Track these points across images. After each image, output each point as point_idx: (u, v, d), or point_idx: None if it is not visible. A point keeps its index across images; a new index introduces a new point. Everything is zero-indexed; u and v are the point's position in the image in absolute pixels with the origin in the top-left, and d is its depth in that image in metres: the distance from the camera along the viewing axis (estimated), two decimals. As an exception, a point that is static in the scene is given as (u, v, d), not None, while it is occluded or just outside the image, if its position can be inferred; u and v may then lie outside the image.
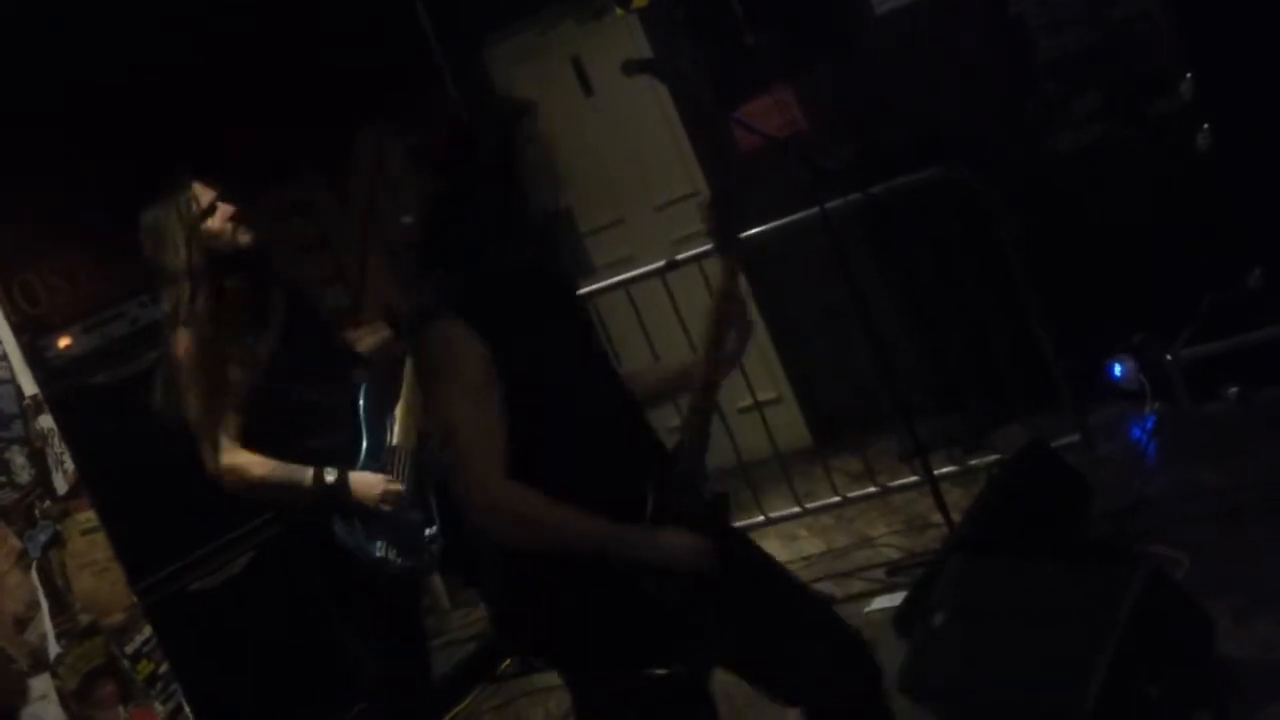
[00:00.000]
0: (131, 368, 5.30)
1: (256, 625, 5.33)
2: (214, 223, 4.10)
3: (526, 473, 2.89)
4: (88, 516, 4.59)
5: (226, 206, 4.13)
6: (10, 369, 4.51)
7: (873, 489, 5.92)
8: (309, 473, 4.02)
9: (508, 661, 5.87)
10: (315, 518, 4.06)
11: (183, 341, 4.03)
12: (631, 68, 3.78)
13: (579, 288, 3.38)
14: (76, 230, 6.09)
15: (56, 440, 4.57)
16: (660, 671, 2.93)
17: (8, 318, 4.60)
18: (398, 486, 4.16)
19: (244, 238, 4.12)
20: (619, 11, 6.79)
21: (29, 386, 4.55)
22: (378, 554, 4.10)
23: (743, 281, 3.19)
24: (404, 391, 4.34)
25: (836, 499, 6.00)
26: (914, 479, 5.66)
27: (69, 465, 4.57)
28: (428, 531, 4.28)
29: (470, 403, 2.89)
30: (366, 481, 4.12)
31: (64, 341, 5.24)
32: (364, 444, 4.20)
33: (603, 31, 7.12)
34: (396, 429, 4.29)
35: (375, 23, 7.08)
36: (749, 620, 3.08)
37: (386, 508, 4.12)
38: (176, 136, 6.42)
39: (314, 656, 5.47)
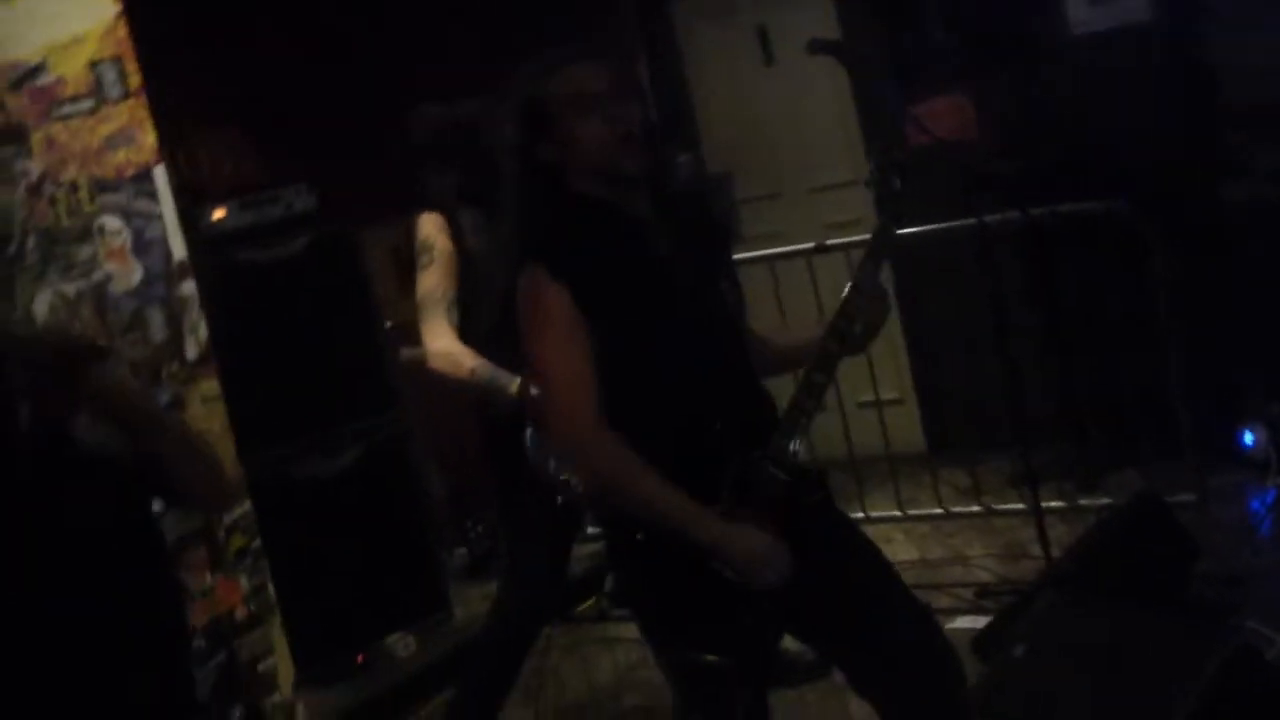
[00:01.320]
0: (276, 251, 5.40)
1: (352, 521, 5.43)
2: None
3: (615, 417, 2.87)
4: (210, 386, 4.69)
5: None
6: (163, 230, 4.61)
7: (977, 508, 5.88)
8: (516, 380, 4.08)
9: (587, 603, 5.92)
10: (511, 423, 4.13)
11: (432, 220, 4.20)
12: (816, 47, 3.72)
13: (719, 238, 3.35)
14: (250, 109, 6.21)
15: (195, 307, 4.67)
16: (710, 658, 2.94)
17: (170, 181, 4.70)
18: None
19: None
20: (813, -12, 6.76)
21: (178, 251, 4.65)
22: (560, 475, 4.14)
23: (886, 271, 3.14)
24: None
25: (939, 511, 5.97)
26: (1020, 506, 5.61)
27: (202, 333, 4.67)
28: None
29: (557, 347, 2.88)
30: None
31: (218, 213, 5.34)
32: None
33: (794, 4, 7.08)
34: None
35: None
36: (839, 599, 3.03)
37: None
38: (359, 42, 6.56)
39: (402, 563, 5.57)
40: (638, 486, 2.85)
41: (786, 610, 2.96)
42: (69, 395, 2.52)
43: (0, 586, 2.48)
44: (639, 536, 2.90)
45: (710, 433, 2.95)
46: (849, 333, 3.02)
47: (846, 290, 3.02)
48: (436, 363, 4.19)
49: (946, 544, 5.86)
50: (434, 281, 4.23)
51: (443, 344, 4.18)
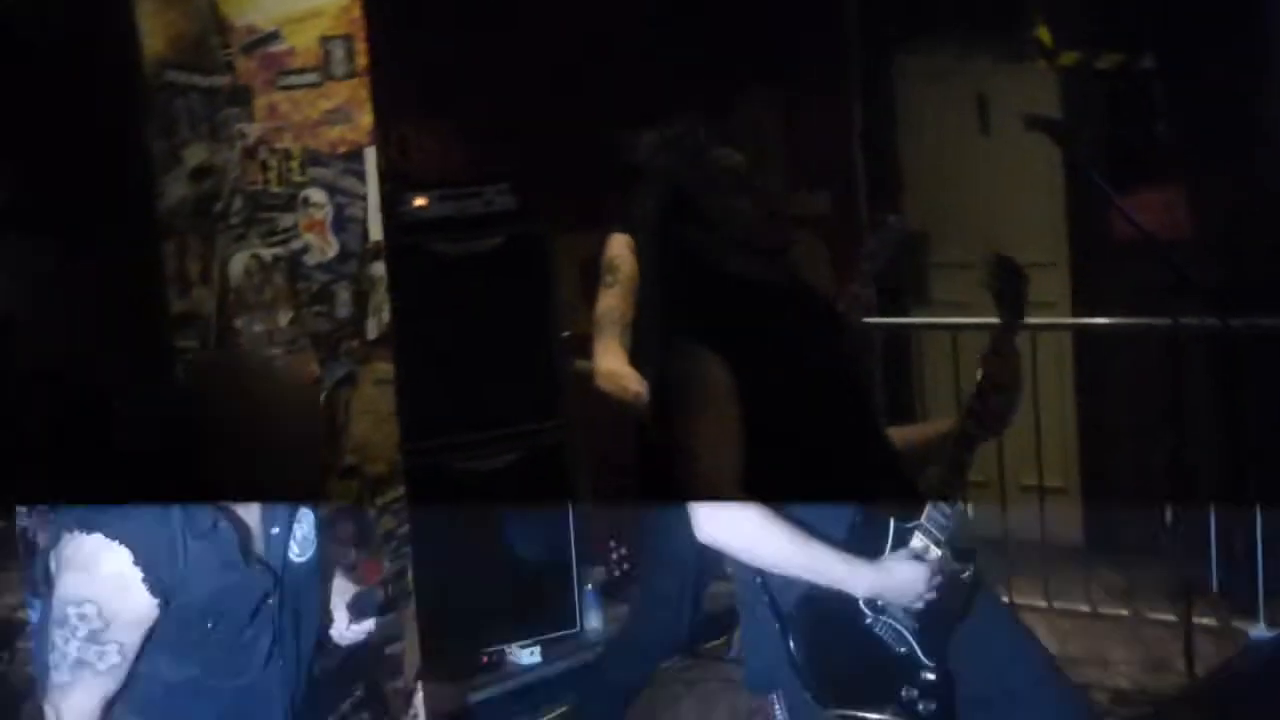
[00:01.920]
0: (469, 246, 5.48)
1: (501, 521, 5.48)
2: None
3: (758, 484, 2.90)
4: (385, 368, 4.75)
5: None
6: (364, 210, 4.69)
7: (1126, 612, 5.75)
8: None
9: (717, 641, 5.89)
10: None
11: (622, 240, 4.27)
12: (1032, 122, 3.74)
13: (833, 312, 3.38)
14: (467, 104, 6.30)
15: (382, 289, 4.74)
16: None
17: (378, 163, 4.79)
18: None
19: None
20: (1040, 62, 6.67)
21: (375, 232, 4.73)
22: None
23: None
24: None
25: (1087, 609, 5.85)
26: (1172, 618, 5.47)
27: (385, 316, 4.74)
28: None
29: (708, 419, 2.91)
30: None
31: (419, 201, 5.43)
32: None
33: (1017, 75, 6.99)
34: None
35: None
36: (974, 665, 3.04)
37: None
38: (584, 52, 6.64)
39: (546, 572, 5.60)
40: (783, 550, 2.89)
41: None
42: None
43: None
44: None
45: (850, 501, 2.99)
46: (984, 416, 3.04)
47: (979, 376, 3.06)
48: (603, 382, 4.23)
49: (1090, 644, 5.73)
50: (613, 302, 4.27)
51: (612, 365, 4.21)
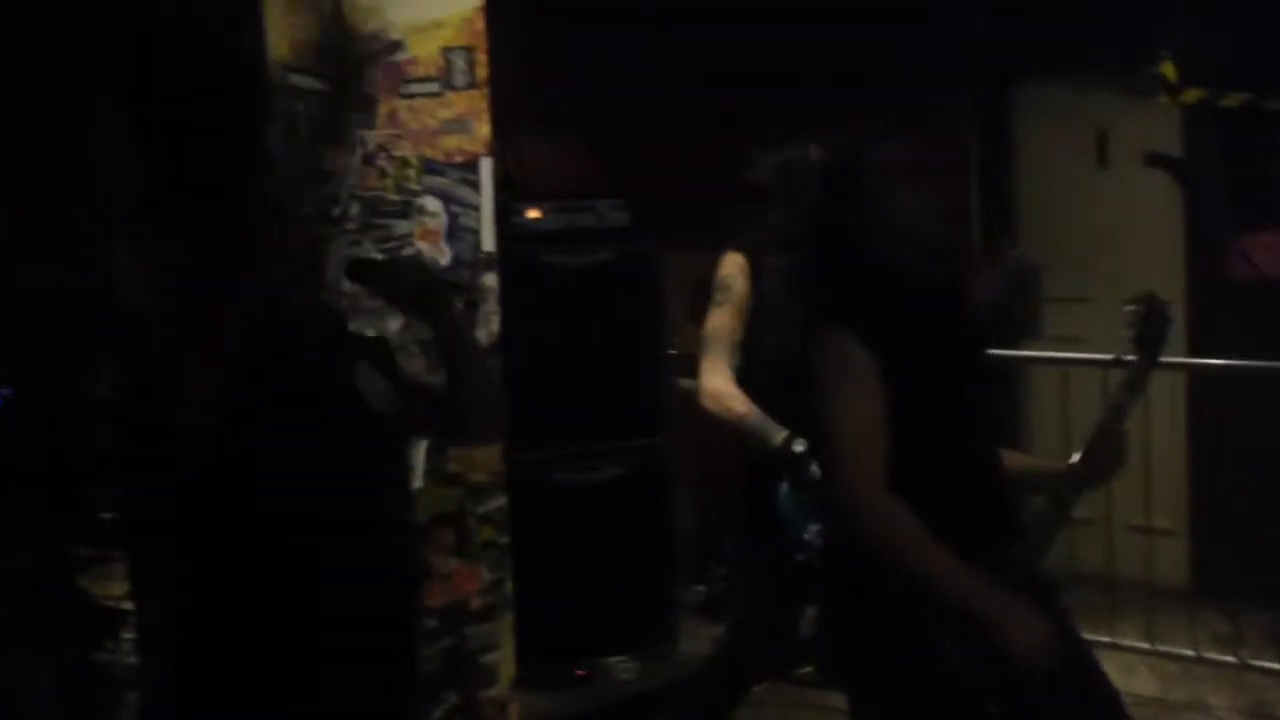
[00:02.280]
0: (580, 259, 5.50)
1: (599, 536, 5.48)
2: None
3: (896, 481, 2.90)
4: (492, 377, 4.79)
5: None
6: (478, 220, 4.73)
7: (1231, 658, 5.65)
8: (782, 434, 4.11)
9: (811, 668, 5.85)
10: (768, 473, 4.16)
11: (736, 261, 4.26)
12: (1152, 159, 3.72)
13: (977, 326, 3.38)
14: (584, 119, 6.34)
15: (492, 299, 4.78)
16: None
17: (493, 174, 4.83)
18: None
19: None
20: (1164, 100, 6.59)
21: (487, 242, 4.77)
22: (805, 535, 4.15)
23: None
24: None
25: (1191, 653, 5.75)
26: (1277, 666, 5.37)
27: (495, 326, 4.77)
28: None
29: (856, 407, 2.91)
30: None
31: (533, 213, 5.46)
32: None
33: (1138, 111, 6.92)
34: None
35: (917, 22, 7.11)
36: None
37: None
38: (702, 74, 6.67)
39: (639, 587, 5.60)
40: (921, 550, 2.87)
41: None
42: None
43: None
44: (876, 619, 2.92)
45: (971, 525, 2.96)
46: (1095, 465, 3.09)
47: (1095, 427, 3.10)
48: (708, 401, 4.22)
49: (1192, 688, 5.64)
50: (722, 321, 4.27)
51: (717, 384, 4.21)
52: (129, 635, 4.50)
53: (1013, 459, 3.25)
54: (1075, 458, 3.11)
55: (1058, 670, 2.88)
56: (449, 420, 2.82)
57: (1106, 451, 3.11)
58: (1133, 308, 3.17)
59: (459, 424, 2.85)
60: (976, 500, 3.01)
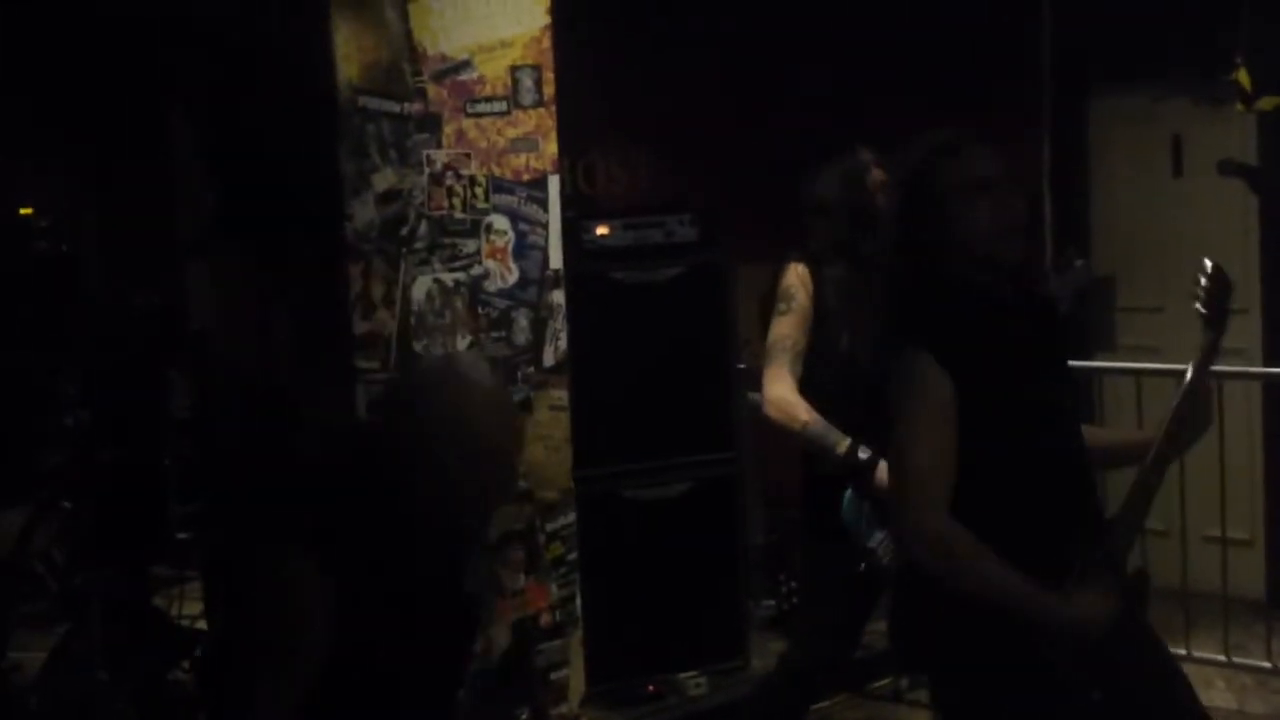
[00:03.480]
0: (649, 275, 5.51)
1: (670, 552, 5.49)
2: (871, 182, 4.32)
3: (961, 507, 2.92)
4: (560, 395, 4.82)
5: (880, 173, 4.32)
6: (545, 238, 4.77)
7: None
8: (845, 442, 4.12)
9: (884, 681, 5.85)
10: (832, 482, 4.17)
11: (798, 271, 4.29)
12: (1227, 168, 3.71)
13: (1066, 337, 3.41)
14: (652, 136, 6.37)
15: (560, 316, 4.81)
16: None
17: (562, 191, 4.86)
18: None
19: (884, 204, 4.33)
20: (1240, 107, 6.52)
21: (555, 260, 4.80)
22: (870, 543, 4.16)
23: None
24: None
25: (1268, 665, 5.68)
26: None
27: (562, 343, 4.81)
28: None
29: (925, 432, 2.94)
30: None
31: (602, 230, 5.47)
32: None
33: (1214, 119, 6.85)
34: None
35: (991, 32, 7.09)
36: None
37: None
38: (769, 92, 6.67)
39: (709, 603, 5.60)
40: (979, 564, 2.90)
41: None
42: None
43: None
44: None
45: (1055, 525, 3.00)
46: (1178, 435, 3.12)
47: (1179, 395, 3.14)
48: (771, 410, 4.24)
49: (1270, 700, 5.57)
50: (786, 330, 4.28)
51: (781, 392, 4.22)
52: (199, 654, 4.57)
53: (1098, 435, 3.31)
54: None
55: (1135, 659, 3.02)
56: None
57: (1195, 411, 3.17)
58: (1202, 282, 3.24)
59: None
60: (1056, 508, 3.03)
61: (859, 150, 4.39)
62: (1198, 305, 3.23)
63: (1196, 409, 3.17)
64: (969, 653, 3.01)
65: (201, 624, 4.60)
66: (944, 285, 3.05)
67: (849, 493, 4.15)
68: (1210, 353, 3.19)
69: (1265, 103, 6.49)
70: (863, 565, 4.17)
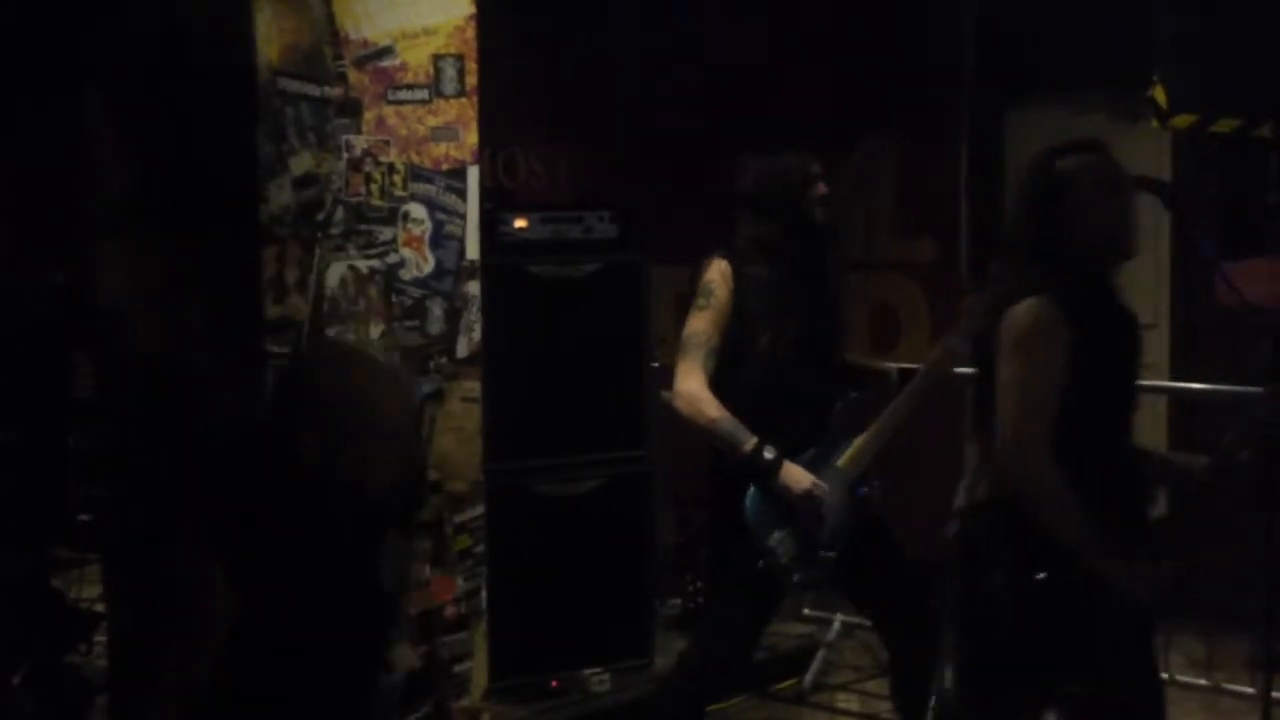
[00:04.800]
0: (565, 270, 5.49)
1: (577, 548, 5.47)
2: (814, 194, 4.38)
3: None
4: (472, 386, 4.79)
5: (824, 186, 4.35)
6: (463, 229, 4.74)
7: (1205, 682, 5.65)
8: (752, 441, 4.13)
9: (788, 683, 5.87)
10: (737, 480, 4.17)
11: (720, 267, 4.30)
12: (1142, 183, 3.76)
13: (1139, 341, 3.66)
14: (574, 131, 6.34)
15: (475, 308, 4.78)
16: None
17: (481, 182, 4.83)
18: (823, 494, 4.22)
19: (822, 215, 4.34)
20: (1155, 123, 6.60)
21: (471, 250, 4.77)
22: (770, 542, 4.16)
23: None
24: (874, 426, 4.42)
25: (1164, 676, 5.72)
26: (1251, 690, 5.37)
27: (476, 334, 4.78)
28: (823, 553, 4.31)
29: (1038, 375, 3.24)
30: (797, 474, 4.19)
31: (520, 223, 5.45)
32: (813, 450, 4.29)
33: (1131, 135, 6.92)
34: (848, 454, 4.36)
35: (919, 43, 7.13)
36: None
37: (802, 506, 4.19)
38: (690, 88, 6.66)
39: (615, 600, 5.59)
40: (1069, 519, 3.22)
41: None
42: None
43: None
44: (1039, 577, 3.25)
45: (1122, 495, 3.36)
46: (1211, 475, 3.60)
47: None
48: (680, 403, 4.23)
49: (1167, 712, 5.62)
50: (702, 326, 4.28)
51: (691, 387, 4.22)
52: (101, 638, 4.50)
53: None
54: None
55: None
56: None
57: (1225, 470, 3.53)
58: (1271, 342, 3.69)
59: None
60: (1125, 482, 3.39)
61: (806, 159, 4.37)
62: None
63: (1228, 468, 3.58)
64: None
65: (100, 607, 4.53)
66: (1060, 267, 3.35)
67: (751, 491, 4.17)
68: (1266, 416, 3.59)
69: (1180, 120, 6.58)
70: (761, 564, 4.18)
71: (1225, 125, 6.56)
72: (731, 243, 4.40)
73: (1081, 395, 3.25)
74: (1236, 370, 5.16)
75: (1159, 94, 6.52)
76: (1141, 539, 3.35)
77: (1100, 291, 3.41)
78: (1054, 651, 3.29)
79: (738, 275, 4.31)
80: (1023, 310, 3.27)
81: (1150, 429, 6.41)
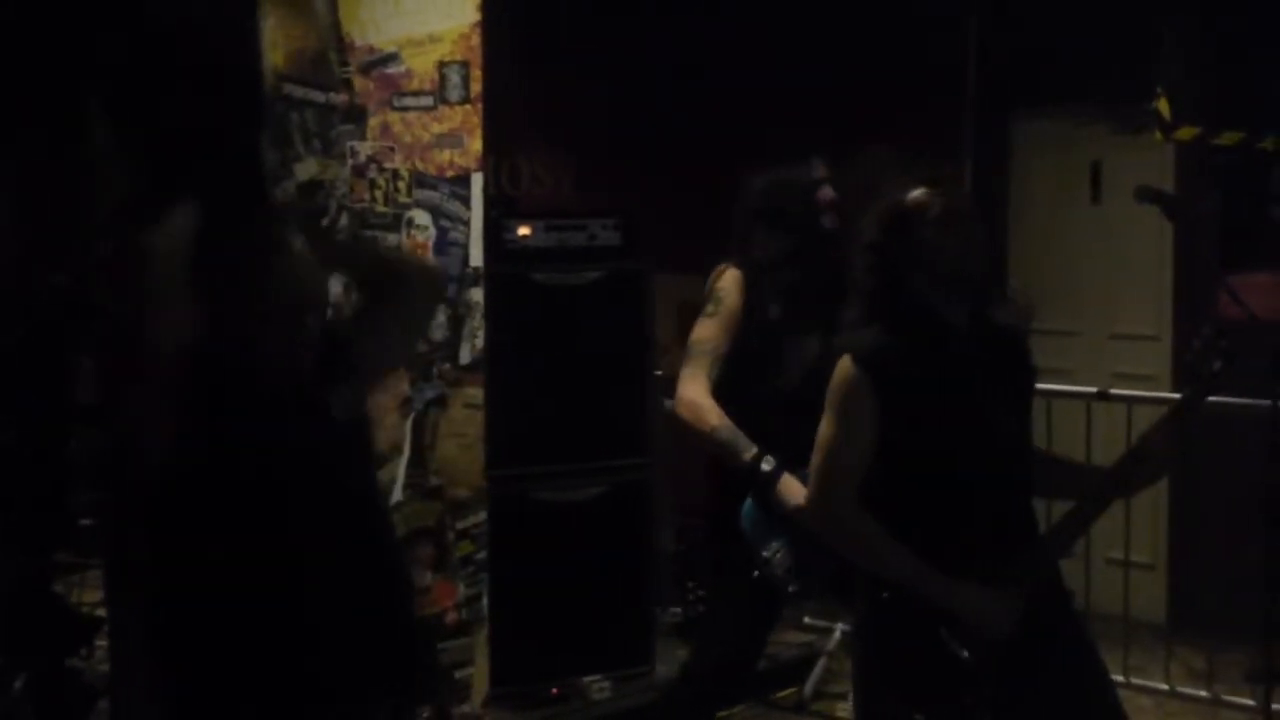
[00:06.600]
0: (569, 278, 5.49)
1: (579, 555, 5.47)
2: (821, 199, 4.35)
3: (879, 504, 3.19)
4: (475, 393, 4.80)
5: (829, 190, 4.34)
6: (466, 236, 4.75)
7: (1205, 694, 5.65)
8: (752, 450, 4.11)
9: (788, 691, 5.87)
10: (737, 488, 4.17)
11: (733, 275, 4.27)
12: (1143, 195, 3.74)
13: (1025, 363, 3.58)
14: (579, 138, 6.35)
15: (478, 315, 4.79)
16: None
17: (485, 190, 4.84)
18: None
19: (830, 221, 4.34)
20: (1158, 136, 6.61)
21: (475, 258, 4.78)
22: (765, 552, 4.16)
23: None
24: None
25: (1165, 687, 5.75)
26: (1250, 702, 5.37)
27: (479, 341, 4.79)
28: (818, 566, 4.31)
29: (843, 438, 3.20)
30: (794, 488, 4.17)
31: (524, 230, 5.44)
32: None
33: (1134, 147, 6.94)
34: None
35: (922, 59, 7.14)
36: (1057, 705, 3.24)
37: (796, 520, 4.19)
38: (698, 99, 6.67)
39: (616, 608, 5.59)
40: (873, 542, 3.19)
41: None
42: None
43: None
44: (884, 595, 3.21)
45: (973, 535, 3.20)
46: (1127, 478, 3.32)
47: (1139, 439, 3.32)
48: (682, 410, 4.21)
49: (1164, 723, 5.65)
50: (709, 333, 4.26)
51: (693, 394, 4.20)
52: (102, 643, 4.49)
53: (1054, 465, 3.60)
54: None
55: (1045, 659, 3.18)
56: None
57: (1145, 460, 3.32)
58: (1198, 341, 3.39)
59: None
60: (977, 520, 3.22)
61: (813, 164, 4.38)
62: (1189, 360, 3.41)
63: (1149, 461, 3.32)
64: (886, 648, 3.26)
65: (101, 612, 4.52)
66: (905, 306, 3.26)
67: (749, 500, 4.16)
68: (1180, 410, 3.34)
69: (1184, 133, 6.59)
70: (756, 572, 4.18)
71: (1228, 138, 6.57)
72: (745, 254, 4.39)
73: (908, 445, 3.18)
74: (1238, 382, 5.15)
75: (1163, 106, 6.54)
76: (1004, 565, 3.20)
77: (950, 329, 3.27)
78: (912, 672, 3.23)
79: (752, 285, 4.29)
80: (838, 370, 3.24)
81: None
